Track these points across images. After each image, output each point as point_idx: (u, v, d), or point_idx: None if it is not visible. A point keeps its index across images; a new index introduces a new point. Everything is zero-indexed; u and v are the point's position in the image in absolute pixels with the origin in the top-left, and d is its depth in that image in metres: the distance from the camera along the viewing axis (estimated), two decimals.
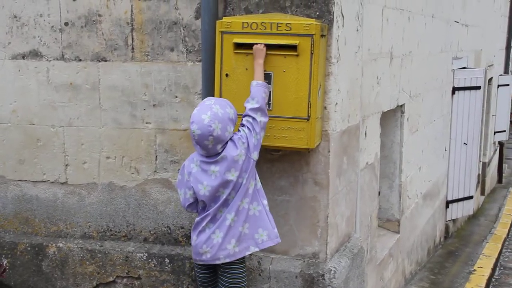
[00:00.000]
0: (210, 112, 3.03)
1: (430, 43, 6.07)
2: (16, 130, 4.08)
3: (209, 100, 3.13)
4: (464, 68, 7.65)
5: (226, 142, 3.11)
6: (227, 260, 3.20)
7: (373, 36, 4.26)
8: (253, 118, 3.13)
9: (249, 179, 3.17)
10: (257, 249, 3.26)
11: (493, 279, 6.61)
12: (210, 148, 3.08)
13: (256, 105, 3.12)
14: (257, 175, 3.26)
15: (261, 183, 3.33)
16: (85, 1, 3.82)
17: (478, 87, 7.54)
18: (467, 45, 7.96)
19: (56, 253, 4.05)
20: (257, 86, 3.15)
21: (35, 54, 3.97)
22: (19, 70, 4.01)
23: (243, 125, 3.16)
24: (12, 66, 4.02)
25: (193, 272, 3.74)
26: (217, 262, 3.21)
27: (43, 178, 4.09)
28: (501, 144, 11.64)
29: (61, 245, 4.06)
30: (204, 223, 3.20)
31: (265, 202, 3.28)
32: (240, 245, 3.22)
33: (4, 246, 4.14)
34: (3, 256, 4.13)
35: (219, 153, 3.11)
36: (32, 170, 4.10)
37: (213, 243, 3.18)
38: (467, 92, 7.41)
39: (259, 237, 3.25)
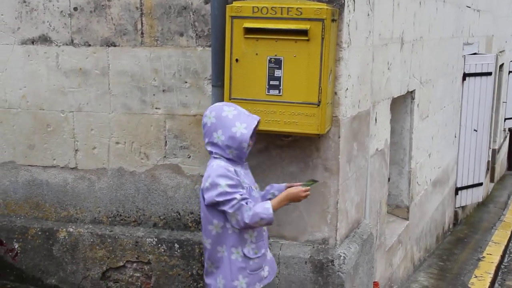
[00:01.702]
0: (221, 105, 2.92)
1: (441, 28, 6.01)
2: (26, 116, 4.09)
3: (237, 107, 2.94)
4: (475, 54, 7.58)
5: (217, 154, 2.89)
6: None
7: (384, 21, 4.22)
8: (238, 205, 2.80)
9: (208, 222, 2.91)
10: None
11: (502, 266, 6.60)
12: (204, 135, 2.94)
13: (260, 211, 2.83)
14: (227, 221, 2.90)
15: (271, 169, 3.30)
16: None
17: (489, 73, 7.47)
18: (478, 31, 7.88)
19: (67, 237, 4.08)
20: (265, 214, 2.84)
21: (44, 39, 3.96)
22: (28, 56, 4.01)
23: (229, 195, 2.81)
24: (21, 51, 4.02)
25: (202, 258, 3.74)
26: None
27: (53, 163, 4.11)
28: (511, 130, 11.56)
29: (71, 230, 4.08)
30: None
31: (236, 249, 2.91)
32: (208, 279, 3.05)
33: (15, 231, 4.17)
34: (14, 240, 4.16)
35: (211, 153, 2.95)
36: (42, 156, 4.12)
37: None
38: (477, 78, 7.35)
39: (218, 283, 2.98)
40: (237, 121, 2.85)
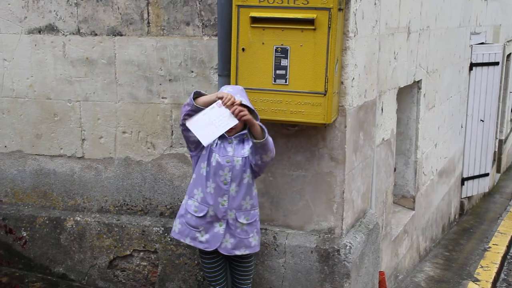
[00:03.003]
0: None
1: (448, 17, 5.97)
2: (33, 105, 4.11)
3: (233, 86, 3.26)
4: (482, 43, 7.54)
5: None
6: None
7: (390, 11, 4.20)
8: None
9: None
10: None
11: (508, 256, 6.60)
12: None
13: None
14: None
15: (277, 158, 3.33)
16: None
17: (496, 63, 7.43)
18: (486, 20, 7.83)
19: (74, 226, 4.10)
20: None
21: (51, 29, 3.97)
22: (35, 45, 4.02)
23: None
24: (28, 40, 4.02)
25: None
26: None
27: (60, 153, 4.13)
28: None
29: (78, 218, 4.11)
30: None
31: (185, 196, 3.35)
32: None
33: (23, 220, 4.20)
34: (23, 229, 4.19)
35: None
36: (50, 145, 4.14)
37: None
38: (484, 68, 7.31)
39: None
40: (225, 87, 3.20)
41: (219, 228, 3.24)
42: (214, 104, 3.06)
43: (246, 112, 3.04)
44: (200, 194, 3.24)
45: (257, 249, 3.36)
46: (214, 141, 3.18)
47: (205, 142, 3.08)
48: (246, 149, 3.21)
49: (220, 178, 3.18)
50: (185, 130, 3.16)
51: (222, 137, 3.19)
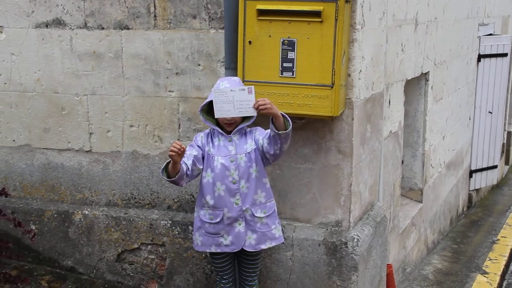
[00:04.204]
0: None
1: (456, 9, 5.93)
2: (41, 99, 4.12)
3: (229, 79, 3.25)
4: (490, 34, 7.49)
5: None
6: None
7: (398, 2, 4.17)
8: None
9: None
10: None
11: None
12: None
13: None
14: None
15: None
16: None
17: (505, 54, 7.38)
18: (494, 11, 7.77)
19: (82, 220, 4.12)
20: None
21: (58, 23, 3.98)
22: (42, 39, 4.02)
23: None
24: (35, 35, 4.03)
25: None
26: None
27: (68, 147, 4.14)
28: None
29: (86, 212, 4.13)
30: None
31: (196, 209, 3.35)
32: None
33: (32, 213, 4.22)
34: (31, 222, 4.21)
35: None
36: (57, 139, 4.15)
37: None
38: (493, 59, 7.26)
39: None
40: (210, 94, 3.18)
41: (239, 227, 3.23)
42: (245, 87, 3.03)
43: (269, 106, 2.98)
44: (210, 201, 3.22)
45: (282, 239, 3.38)
46: (211, 145, 3.21)
47: (217, 114, 3.08)
48: (249, 144, 3.20)
49: (228, 179, 3.17)
50: (194, 164, 3.18)
51: (221, 136, 3.20)
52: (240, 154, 3.18)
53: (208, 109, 3.20)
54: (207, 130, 3.31)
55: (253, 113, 3.03)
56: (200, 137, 3.27)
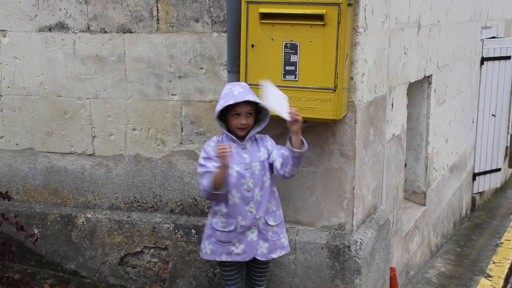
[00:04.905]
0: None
1: (459, 12, 5.93)
2: (44, 103, 4.13)
3: (241, 84, 3.20)
4: (493, 37, 7.48)
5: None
6: None
7: (400, 5, 4.17)
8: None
9: None
10: None
11: None
12: None
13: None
14: None
15: None
16: None
17: (508, 57, 7.37)
18: (497, 14, 7.76)
19: (85, 223, 4.12)
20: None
21: (61, 27, 3.99)
22: (46, 43, 4.03)
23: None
24: (39, 38, 4.04)
25: None
26: None
27: (71, 150, 4.15)
28: None
29: (89, 215, 4.13)
30: None
31: (209, 217, 3.32)
32: None
33: (34, 217, 4.23)
34: (34, 226, 4.22)
35: None
36: (60, 142, 4.16)
37: None
38: (496, 62, 7.26)
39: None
40: (222, 99, 3.10)
41: (252, 236, 3.21)
42: (282, 93, 3.04)
43: (300, 117, 3.01)
44: (223, 209, 3.19)
45: (289, 248, 3.37)
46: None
47: (274, 109, 3.06)
48: (262, 152, 3.20)
49: (243, 187, 3.14)
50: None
51: (233, 143, 3.14)
52: (254, 162, 3.16)
53: (219, 114, 3.15)
54: (215, 139, 3.22)
55: (287, 117, 2.99)
56: (211, 147, 3.15)
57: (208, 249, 3.27)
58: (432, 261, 5.78)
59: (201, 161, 3.14)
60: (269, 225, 3.22)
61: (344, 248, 3.55)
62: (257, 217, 3.19)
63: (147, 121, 3.94)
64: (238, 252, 3.22)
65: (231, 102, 3.05)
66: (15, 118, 4.21)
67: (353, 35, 3.37)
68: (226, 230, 3.20)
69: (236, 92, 3.08)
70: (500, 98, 7.45)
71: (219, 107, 3.10)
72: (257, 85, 3.27)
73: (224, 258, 3.24)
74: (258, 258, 3.24)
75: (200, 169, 3.13)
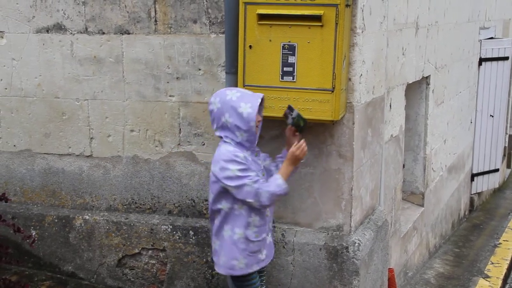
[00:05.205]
0: (224, 90, 3.03)
1: (457, 12, 5.93)
2: (41, 104, 4.12)
3: (239, 89, 3.07)
4: (491, 38, 7.48)
5: (226, 138, 2.99)
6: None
7: (398, 6, 4.17)
8: (251, 188, 2.92)
9: (219, 201, 3.04)
10: (216, 270, 3.21)
11: None
12: (211, 123, 3.06)
13: (273, 189, 2.96)
14: (238, 201, 3.02)
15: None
16: None
17: (506, 58, 7.38)
18: (495, 14, 7.77)
19: (83, 225, 4.12)
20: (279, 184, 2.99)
21: (59, 28, 3.98)
22: (43, 44, 4.03)
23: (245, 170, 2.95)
24: (36, 40, 4.04)
25: None
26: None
27: (69, 151, 4.14)
28: None
29: (87, 217, 4.12)
30: None
31: (239, 230, 3.05)
32: (214, 257, 3.22)
33: (32, 218, 4.22)
34: (32, 227, 4.21)
35: (220, 138, 3.06)
36: (58, 144, 4.15)
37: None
38: (494, 63, 7.26)
39: (220, 259, 3.14)
40: (241, 101, 2.95)
41: (269, 238, 3.24)
42: None
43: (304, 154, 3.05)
44: (255, 218, 3.07)
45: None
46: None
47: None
48: (261, 159, 3.20)
49: None
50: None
51: (246, 151, 3.03)
52: (262, 168, 3.17)
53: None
54: (232, 149, 2.97)
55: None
56: (242, 158, 2.96)
57: (243, 264, 3.10)
58: (430, 262, 5.78)
59: (243, 173, 2.92)
60: (273, 226, 3.26)
61: (342, 249, 3.54)
62: (271, 220, 3.25)
63: (145, 122, 3.94)
64: (263, 257, 3.19)
65: (260, 97, 2.98)
66: (12, 119, 4.20)
67: (351, 36, 3.37)
68: (258, 239, 3.12)
69: (248, 92, 3.01)
70: (498, 98, 7.45)
71: (252, 109, 2.92)
72: (255, 86, 3.27)
73: (255, 268, 3.16)
74: (272, 259, 3.30)
75: (247, 180, 2.91)
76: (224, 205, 3.05)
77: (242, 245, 3.08)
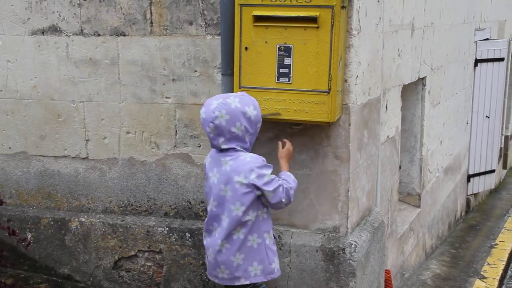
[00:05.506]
0: (221, 100, 2.89)
1: (453, 14, 5.95)
2: (37, 106, 4.11)
3: (233, 94, 3.00)
4: (487, 39, 7.50)
5: (238, 147, 2.94)
6: (220, 282, 3.13)
7: (394, 7, 4.18)
8: (283, 187, 2.98)
9: (248, 212, 2.96)
10: (247, 282, 3.04)
11: None
12: (212, 138, 2.94)
13: (293, 185, 3.06)
14: (263, 205, 3.03)
15: None
16: None
17: (502, 59, 7.40)
18: (490, 16, 7.79)
19: (79, 227, 4.10)
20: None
21: (54, 30, 3.97)
22: (39, 46, 4.02)
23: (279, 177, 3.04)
24: (32, 41, 4.02)
25: None
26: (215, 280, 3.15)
27: (65, 154, 4.13)
28: None
29: (83, 219, 4.11)
30: (205, 226, 3.15)
31: (268, 234, 3.05)
32: (231, 273, 3.03)
33: (28, 221, 4.21)
34: (27, 230, 4.19)
35: (224, 150, 2.96)
36: (54, 146, 4.14)
37: (208, 259, 3.13)
38: (490, 64, 7.28)
39: (253, 270, 3.03)
40: (245, 105, 2.93)
41: None
42: None
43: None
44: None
45: None
46: None
47: None
48: None
49: None
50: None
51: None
52: None
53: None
54: (252, 154, 2.99)
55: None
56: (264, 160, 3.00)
57: (278, 265, 3.13)
58: (427, 263, 5.78)
59: (273, 175, 2.97)
60: None
61: (339, 251, 3.54)
62: None
63: (141, 124, 3.93)
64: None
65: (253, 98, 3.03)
66: (8, 121, 4.19)
67: (347, 37, 3.37)
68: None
69: (244, 95, 3.00)
70: (494, 99, 7.47)
71: (256, 111, 2.97)
72: (251, 88, 3.27)
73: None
74: None
75: (280, 181, 2.99)
76: (251, 215, 2.98)
77: (273, 246, 3.11)
